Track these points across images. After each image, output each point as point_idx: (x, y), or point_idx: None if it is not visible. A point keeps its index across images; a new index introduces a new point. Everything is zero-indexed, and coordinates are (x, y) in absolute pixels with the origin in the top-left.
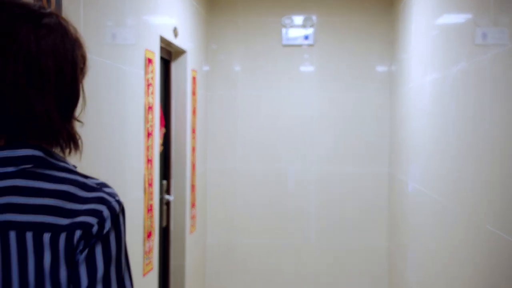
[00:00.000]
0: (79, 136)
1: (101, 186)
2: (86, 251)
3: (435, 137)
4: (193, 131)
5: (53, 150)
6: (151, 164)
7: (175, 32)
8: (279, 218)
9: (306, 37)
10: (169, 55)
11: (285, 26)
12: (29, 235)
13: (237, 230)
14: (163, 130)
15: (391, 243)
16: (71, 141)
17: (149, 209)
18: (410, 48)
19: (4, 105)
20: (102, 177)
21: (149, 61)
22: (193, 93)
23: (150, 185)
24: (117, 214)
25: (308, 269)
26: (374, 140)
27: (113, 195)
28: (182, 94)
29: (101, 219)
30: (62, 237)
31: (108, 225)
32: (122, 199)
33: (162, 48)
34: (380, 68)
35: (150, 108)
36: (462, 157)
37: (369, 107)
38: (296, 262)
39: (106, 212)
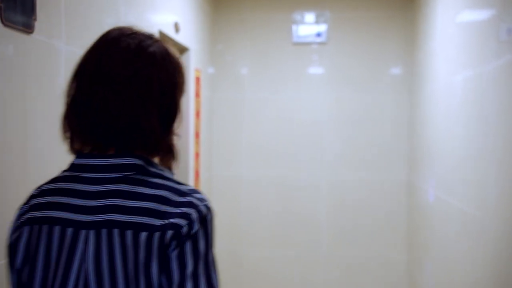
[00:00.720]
0: (177, 147)
1: (192, 192)
2: (178, 249)
3: (468, 142)
4: (197, 135)
5: (153, 159)
6: None
7: (176, 27)
8: (288, 227)
9: (319, 35)
10: None
11: (295, 23)
12: (128, 233)
13: (243, 240)
14: None
15: (410, 256)
16: (170, 151)
17: None
18: (433, 45)
19: (113, 120)
20: None
21: None
22: (197, 94)
23: None
24: (205, 217)
25: (319, 282)
26: (391, 145)
27: (202, 200)
28: (185, 95)
29: (190, 221)
30: (156, 236)
31: (196, 226)
32: None
33: None
34: (398, 68)
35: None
36: (500, 164)
37: (385, 110)
38: (305, 274)
39: (194, 215)
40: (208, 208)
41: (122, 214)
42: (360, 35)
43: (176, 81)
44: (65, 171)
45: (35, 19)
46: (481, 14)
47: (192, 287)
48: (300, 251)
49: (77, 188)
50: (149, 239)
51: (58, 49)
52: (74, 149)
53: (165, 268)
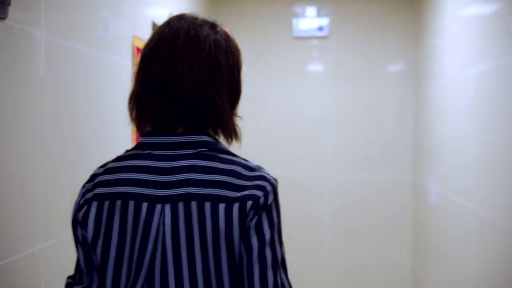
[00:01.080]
0: (239, 128)
1: (259, 167)
2: (255, 219)
3: (481, 140)
4: None
5: (218, 138)
6: None
7: None
8: (288, 228)
9: (320, 28)
10: None
11: (296, 16)
12: (207, 205)
13: None
14: None
15: (415, 259)
16: (234, 131)
17: None
18: (440, 39)
19: (187, 99)
20: (77, 190)
21: (138, 50)
22: None
23: None
24: (275, 189)
25: (320, 284)
26: (396, 144)
27: (269, 174)
28: None
29: (266, 192)
30: (236, 206)
31: (271, 197)
32: None
33: None
34: (402, 63)
35: None
36: None
37: (389, 107)
38: (307, 276)
39: (268, 187)
40: (276, 182)
41: (199, 187)
42: (363, 29)
43: (240, 64)
44: (131, 149)
45: (8, 4)
46: (491, 8)
47: (270, 253)
48: (301, 253)
49: (150, 165)
50: (228, 210)
51: (36, 38)
52: (141, 130)
53: (244, 236)
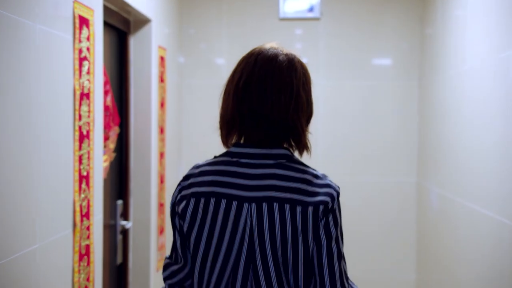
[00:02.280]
0: (310, 143)
1: (324, 176)
2: (324, 219)
3: (504, 140)
4: (161, 130)
5: (293, 151)
6: (87, 182)
7: None
8: None
9: (311, 9)
10: (126, 25)
11: None
12: (287, 206)
13: None
14: (117, 129)
15: (420, 276)
16: (307, 147)
17: (83, 254)
18: (456, 16)
19: (276, 123)
20: None
21: (83, 22)
22: (161, 79)
23: (86, 215)
24: (339, 195)
25: None
26: (398, 142)
27: (333, 182)
28: (145, 80)
29: (332, 198)
30: (310, 209)
31: (336, 203)
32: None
33: (113, 12)
34: (407, 48)
35: (85, 95)
36: None
37: (391, 100)
38: None
39: (334, 194)
40: (339, 188)
41: (279, 192)
42: (360, 8)
43: (311, 89)
44: (220, 156)
45: None
46: None
47: (336, 248)
48: None
49: (238, 171)
50: (304, 212)
51: None
52: (228, 142)
53: (315, 234)
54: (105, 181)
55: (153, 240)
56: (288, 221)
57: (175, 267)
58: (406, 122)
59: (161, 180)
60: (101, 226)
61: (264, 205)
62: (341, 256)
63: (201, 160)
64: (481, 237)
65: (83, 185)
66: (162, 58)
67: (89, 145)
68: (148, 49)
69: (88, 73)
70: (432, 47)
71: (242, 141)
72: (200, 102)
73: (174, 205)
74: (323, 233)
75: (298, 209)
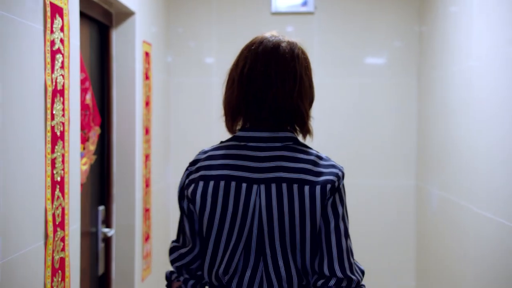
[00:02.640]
0: (312, 127)
1: (328, 157)
2: (331, 198)
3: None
4: (147, 131)
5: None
6: (61, 188)
7: None
8: None
9: (304, 3)
10: (108, 17)
11: None
12: (295, 186)
13: None
14: (98, 130)
15: (420, 282)
16: (309, 131)
17: (56, 269)
18: (460, 5)
19: (281, 109)
20: None
21: (55, 10)
22: (146, 76)
23: (61, 225)
24: (344, 175)
25: None
26: (396, 142)
27: (337, 163)
28: (128, 77)
29: (338, 178)
30: (318, 188)
31: (341, 182)
32: None
33: (93, 3)
34: (404, 44)
35: (58, 92)
36: None
37: (388, 98)
38: None
39: (340, 173)
40: (343, 169)
41: (287, 172)
42: (355, 2)
43: (311, 72)
44: (227, 141)
45: None
46: None
47: (343, 226)
48: None
49: (246, 154)
50: (312, 191)
51: None
52: (233, 128)
53: (323, 212)
54: (85, 185)
55: (137, 248)
56: (296, 200)
57: (183, 250)
58: (405, 122)
59: (147, 184)
60: (78, 236)
61: (273, 186)
62: (347, 234)
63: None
64: (483, 240)
65: (57, 192)
66: (147, 54)
67: (63, 147)
68: (131, 44)
69: (62, 67)
70: (431, 43)
71: (247, 126)
72: (190, 101)
73: (182, 189)
74: (330, 212)
75: (306, 188)
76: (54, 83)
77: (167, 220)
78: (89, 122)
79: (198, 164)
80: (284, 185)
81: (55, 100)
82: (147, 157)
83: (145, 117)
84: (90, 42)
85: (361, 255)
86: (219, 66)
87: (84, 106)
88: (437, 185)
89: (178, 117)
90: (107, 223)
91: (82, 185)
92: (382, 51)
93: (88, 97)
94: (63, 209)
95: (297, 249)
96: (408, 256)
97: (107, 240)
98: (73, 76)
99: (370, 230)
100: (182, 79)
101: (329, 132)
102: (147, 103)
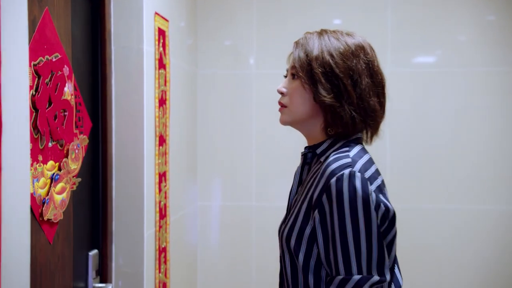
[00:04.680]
0: None
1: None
2: None
3: None
4: (161, 140)
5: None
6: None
7: None
8: None
9: None
10: None
11: None
12: None
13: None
14: (84, 140)
15: None
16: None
17: None
18: None
19: (380, 113)
20: None
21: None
22: (161, 63)
23: None
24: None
25: None
26: (490, 161)
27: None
28: (133, 64)
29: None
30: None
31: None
32: None
33: None
34: (494, 20)
35: None
36: None
37: (483, 91)
38: None
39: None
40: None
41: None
42: None
43: None
44: (350, 146)
45: None
46: None
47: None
48: None
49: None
50: None
51: None
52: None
53: None
54: (64, 222)
55: None
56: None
57: None
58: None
59: (162, 214)
60: None
61: None
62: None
63: (340, 162)
64: None
65: None
66: (161, 32)
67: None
68: (137, 16)
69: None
70: None
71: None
72: (222, 99)
73: (377, 211)
74: None
75: None
76: None
77: (193, 263)
78: (70, 129)
79: (368, 176)
80: None
81: None
82: (162, 176)
83: (158, 121)
84: (74, 13)
85: None
86: (259, 50)
87: (59, 104)
88: None
89: (207, 120)
90: (103, 274)
91: (57, 223)
92: (470, 32)
93: (68, 89)
94: None
95: None
96: None
97: None
98: (7, 46)
99: (463, 265)
100: (213, 70)
101: (405, 146)
102: (162, 102)
